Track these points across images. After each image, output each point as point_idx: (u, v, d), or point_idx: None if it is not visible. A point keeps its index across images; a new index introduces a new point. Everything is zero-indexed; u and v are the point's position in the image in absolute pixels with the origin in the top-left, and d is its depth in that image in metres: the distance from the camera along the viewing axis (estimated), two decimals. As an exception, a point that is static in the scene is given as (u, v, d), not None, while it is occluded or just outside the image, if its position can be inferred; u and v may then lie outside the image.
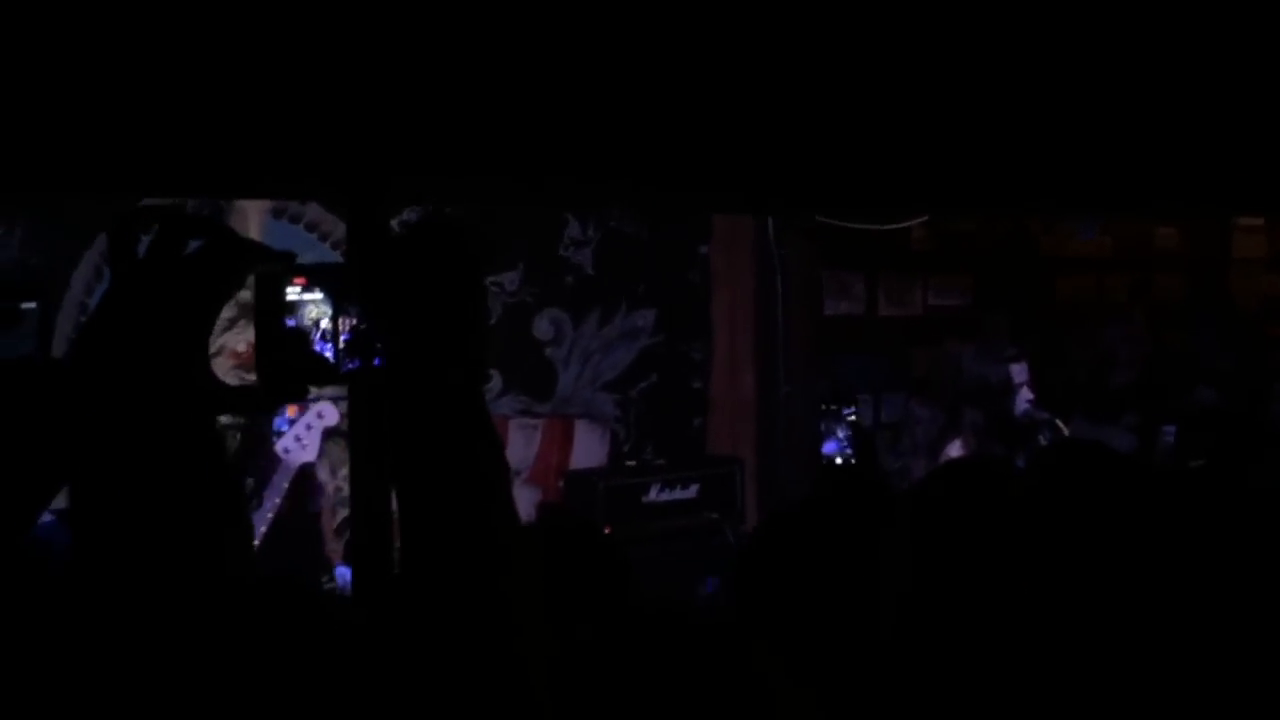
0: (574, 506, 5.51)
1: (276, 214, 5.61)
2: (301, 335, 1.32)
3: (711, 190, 5.09)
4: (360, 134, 2.63)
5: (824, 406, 3.89)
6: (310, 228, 5.64)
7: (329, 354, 1.32)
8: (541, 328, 6.11)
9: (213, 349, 1.30)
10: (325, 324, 1.31)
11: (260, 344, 1.31)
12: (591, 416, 6.19)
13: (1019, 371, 4.71)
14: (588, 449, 6.15)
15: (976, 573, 1.72)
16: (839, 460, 3.78)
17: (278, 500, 4.76)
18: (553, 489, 5.96)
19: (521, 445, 5.98)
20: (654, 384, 6.30)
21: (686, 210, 6.03)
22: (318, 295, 1.32)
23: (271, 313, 1.31)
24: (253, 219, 5.55)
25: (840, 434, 3.72)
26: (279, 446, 4.86)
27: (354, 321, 1.31)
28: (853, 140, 3.23)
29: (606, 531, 4.18)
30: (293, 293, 1.32)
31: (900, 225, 6.39)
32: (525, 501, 5.83)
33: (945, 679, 1.70)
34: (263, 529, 4.71)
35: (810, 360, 6.50)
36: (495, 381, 5.99)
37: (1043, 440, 4.56)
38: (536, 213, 5.98)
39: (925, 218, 6.46)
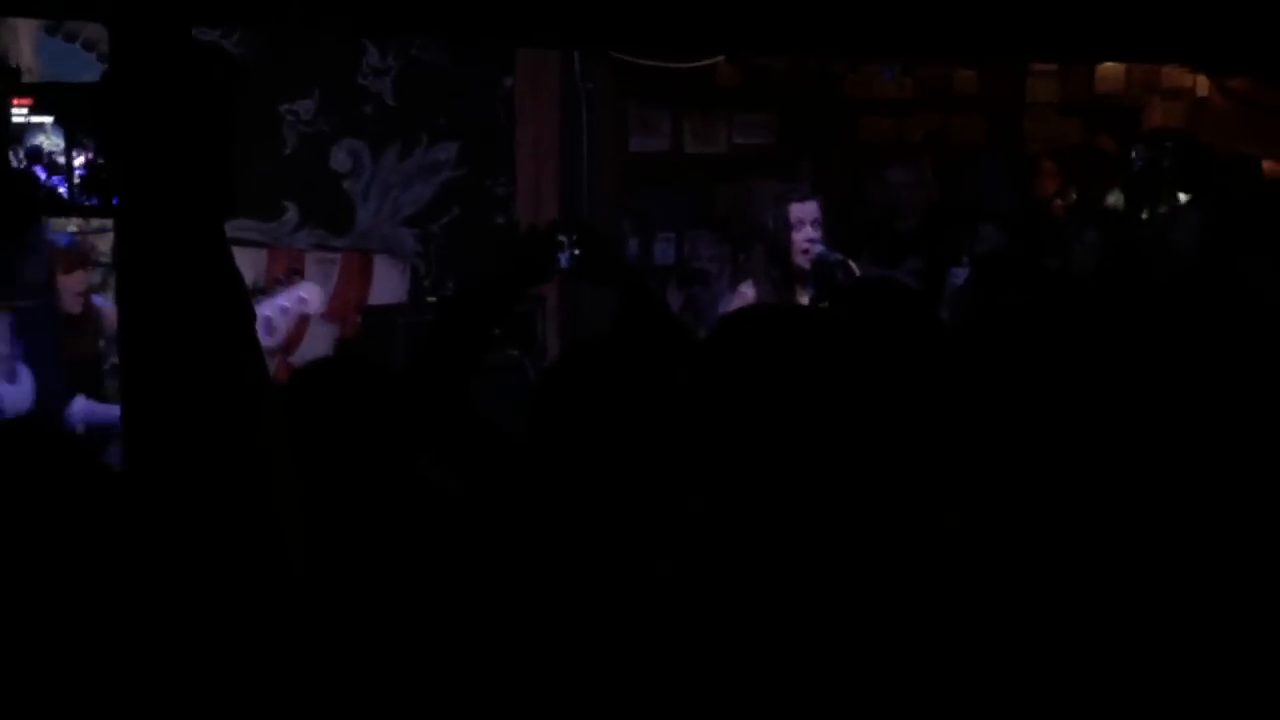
0: (372, 343, 5.59)
1: (50, 29, 5.43)
2: (24, 171, 1.20)
3: (514, 23, 5.02)
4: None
5: None
6: (88, 46, 5.45)
7: (62, 189, 1.22)
8: (339, 159, 6.07)
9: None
10: (56, 154, 1.21)
11: None
12: (391, 251, 6.20)
13: (802, 210, 4.66)
14: (387, 285, 6.15)
15: (774, 412, 1.77)
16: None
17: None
18: (351, 325, 6.02)
19: (319, 280, 5.75)
20: (456, 218, 6.31)
21: (489, 43, 6.03)
22: (48, 119, 1.21)
23: None
24: (24, 34, 5.35)
25: None
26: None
27: (90, 154, 1.22)
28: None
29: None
30: (19, 115, 1.22)
31: (700, 64, 6.45)
32: (322, 338, 5.90)
33: (741, 525, 1.74)
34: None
35: (614, 196, 6.59)
36: (291, 214, 6.01)
37: (839, 279, 4.61)
38: (333, 38, 5.92)
39: (721, 57, 6.50)
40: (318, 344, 5.83)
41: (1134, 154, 4.44)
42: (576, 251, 2.69)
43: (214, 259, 1.24)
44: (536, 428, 2.15)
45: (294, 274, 5.30)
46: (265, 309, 4.65)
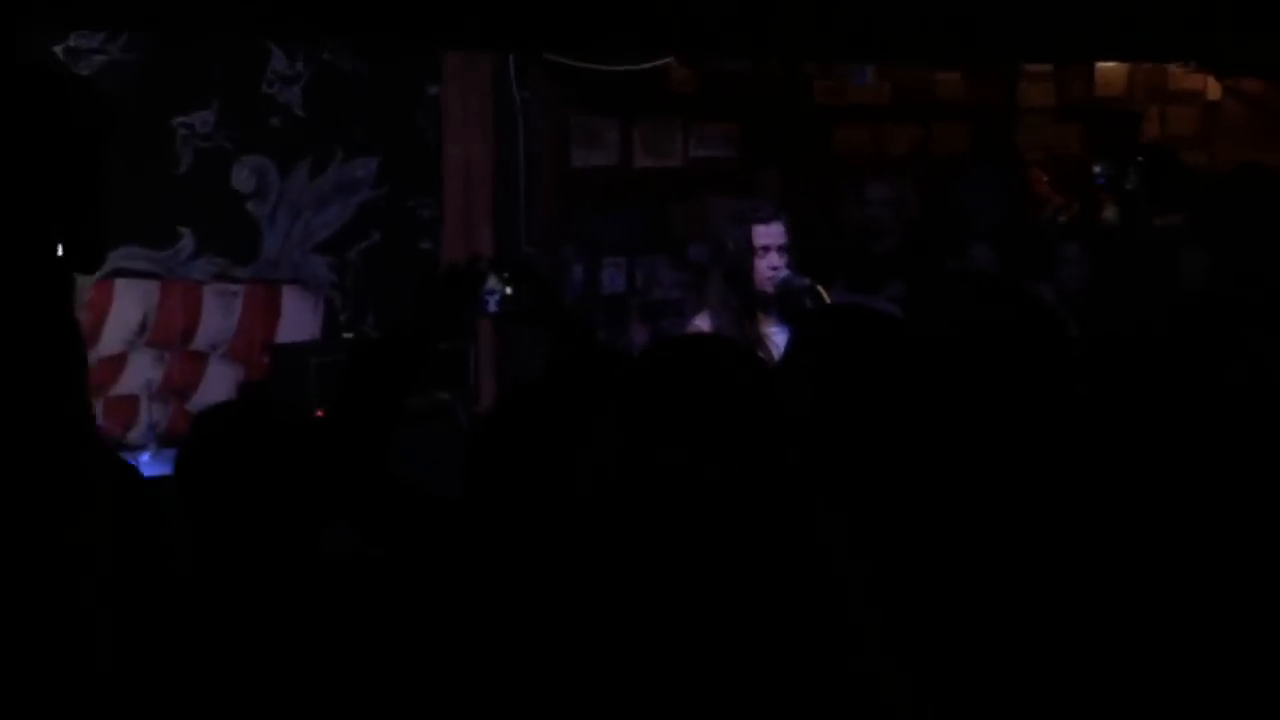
0: (281, 386, 5.45)
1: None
2: None
3: (436, 22, 4.87)
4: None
5: None
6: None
7: None
8: (241, 178, 5.95)
9: None
10: None
11: None
12: (302, 282, 6.10)
13: (767, 233, 4.56)
14: (298, 319, 6.05)
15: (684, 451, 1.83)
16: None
17: None
18: (256, 365, 5.87)
19: (219, 315, 5.91)
20: (375, 244, 6.22)
21: (410, 46, 5.96)
22: None
23: None
24: None
25: None
26: None
27: None
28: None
29: (319, 415, 3.98)
30: None
31: (650, 65, 6.34)
32: (225, 380, 5.84)
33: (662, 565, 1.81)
34: None
35: (556, 218, 6.46)
36: (186, 240, 5.85)
37: (808, 307, 4.49)
38: (235, 41, 5.78)
39: (671, 59, 6.44)
40: (218, 387, 5.77)
41: (1096, 170, 4.36)
42: (509, 291, 2.64)
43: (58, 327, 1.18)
44: (473, 483, 2.21)
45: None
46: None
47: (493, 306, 2.65)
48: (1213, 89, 7.74)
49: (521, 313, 2.69)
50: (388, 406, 2.47)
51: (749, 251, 4.56)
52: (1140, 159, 4.40)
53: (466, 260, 2.68)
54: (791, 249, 4.61)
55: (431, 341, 2.55)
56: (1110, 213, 5.86)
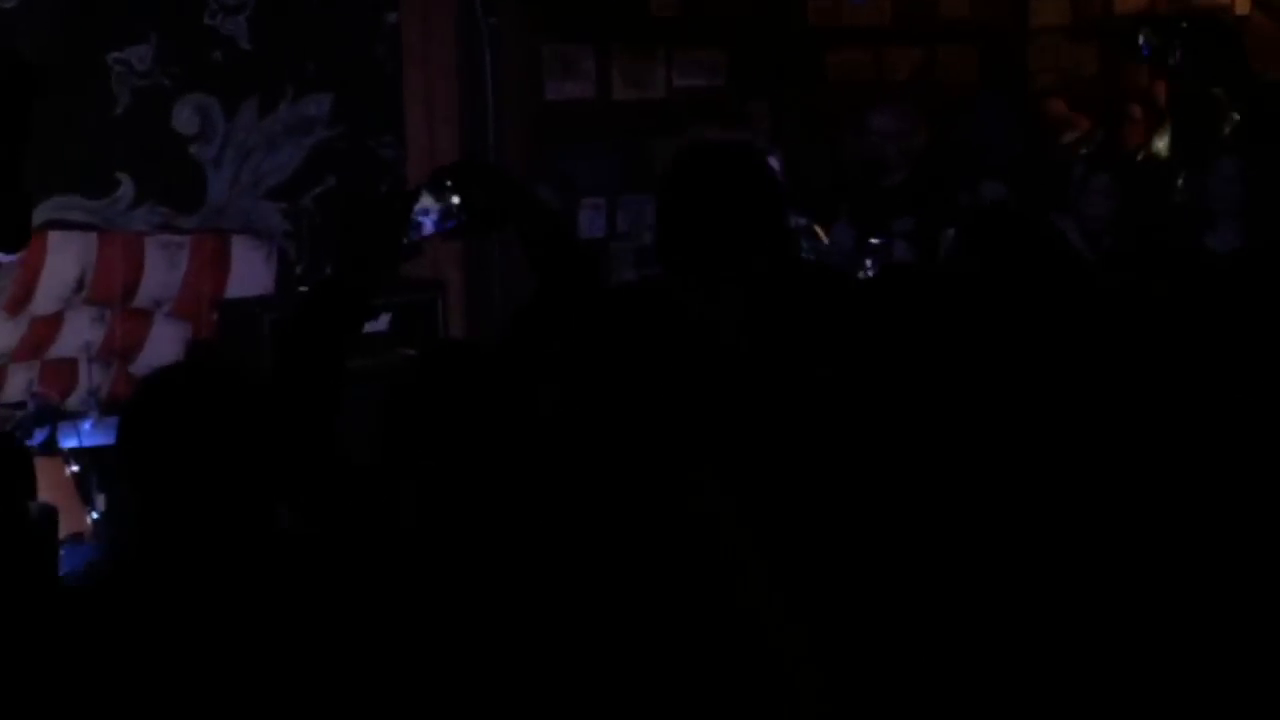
0: (232, 346, 5.43)
1: None
2: None
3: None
4: None
5: None
6: None
7: None
8: (184, 118, 5.89)
9: None
10: None
11: None
12: (252, 231, 6.06)
13: None
14: (248, 272, 6.02)
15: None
16: None
17: None
18: (205, 323, 5.83)
19: (163, 269, 5.87)
20: (332, 189, 6.16)
21: None
22: None
23: None
24: None
25: None
26: None
27: None
28: None
29: None
30: None
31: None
32: (171, 340, 5.82)
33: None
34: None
35: (528, 156, 6.42)
36: (126, 188, 5.84)
37: (804, 253, 4.45)
38: None
39: None
40: (164, 348, 5.77)
41: (1140, 40, 4.26)
42: (455, 201, 2.44)
43: None
44: (386, 451, 2.20)
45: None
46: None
47: (430, 227, 2.46)
48: (1241, 2, 7.65)
49: (475, 222, 2.49)
50: (326, 372, 2.42)
51: None
52: (1186, 26, 4.31)
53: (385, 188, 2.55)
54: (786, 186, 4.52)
55: (360, 291, 2.45)
56: (1162, 144, 5.81)
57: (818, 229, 4.49)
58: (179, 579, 2.18)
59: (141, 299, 5.76)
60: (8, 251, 3.57)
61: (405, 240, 2.46)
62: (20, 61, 3.61)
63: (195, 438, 2.21)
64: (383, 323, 5.30)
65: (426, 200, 2.46)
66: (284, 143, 6.08)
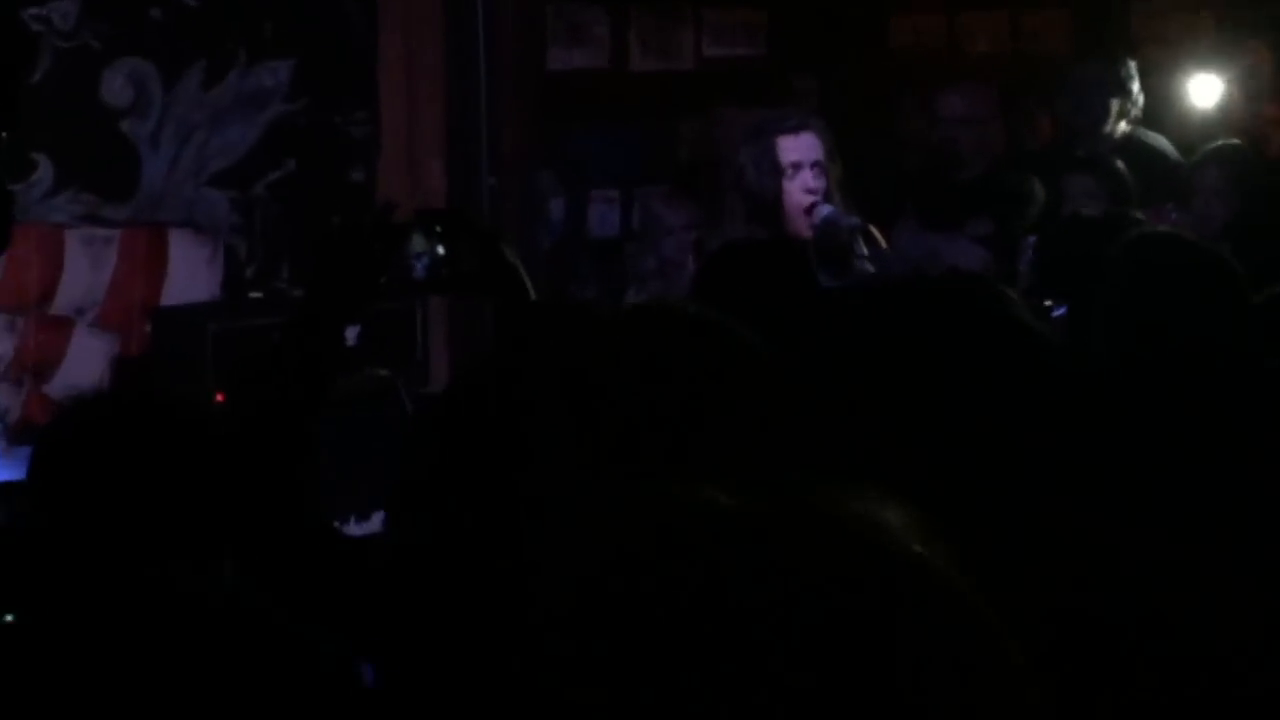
0: (168, 363, 5.49)
1: None
2: None
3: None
4: None
5: None
6: None
7: None
8: (114, 88, 5.92)
9: None
10: None
11: None
12: (195, 224, 6.08)
13: (796, 146, 4.61)
14: (189, 274, 6.04)
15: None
16: None
17: None
18: (136, 336, 5.86)
19: (87, 269, 5.87)
20: (291, 174, 6.19)
21: None
22: None
23: None
24: None
25: None
26: None
27: None
28: None
29: (219, 400, 4.32)
30: None
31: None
32: (95, 355, 5.83)
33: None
34: None
35: (529, 138, 6.49)
36: (44, 171, 5.76)
37: (858, 260, 4.49)
38: None
39: None
40: (86, 364, 5.75)
41: None
42: (440, 252, 2.66)
43: None
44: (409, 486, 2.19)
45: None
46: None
47: (420, 271, 2.67)
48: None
49: (456, 279, 2.72)
50: (293, 424, 2.48)
51: (774, 172, 4.55)
52: None
53: (377, 211, 2.73)
54: (834, 175, 4.61)
55: (336, 325, 2.59)
56: None
57: (874, 231, 4.49)
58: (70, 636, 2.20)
59: (60, 305, 5.76)
60: None
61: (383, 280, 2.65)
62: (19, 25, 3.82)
63: (122, 477, 2.27)
64: (350, 336, 5.35)
65: (418, 242, 2.68)
66: (234, 119, 6.11)
